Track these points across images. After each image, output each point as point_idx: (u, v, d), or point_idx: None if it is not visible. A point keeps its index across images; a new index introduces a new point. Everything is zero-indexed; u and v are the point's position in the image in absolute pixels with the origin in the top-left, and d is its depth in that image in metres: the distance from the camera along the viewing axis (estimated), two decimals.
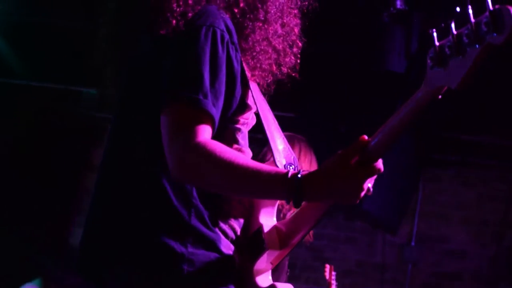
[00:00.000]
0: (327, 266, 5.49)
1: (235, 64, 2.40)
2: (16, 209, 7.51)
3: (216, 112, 2.29)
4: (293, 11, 2.72)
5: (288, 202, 2.18)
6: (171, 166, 2.23)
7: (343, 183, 2.15)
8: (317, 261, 7.84)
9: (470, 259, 7.65)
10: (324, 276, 5.43)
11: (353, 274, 7.78)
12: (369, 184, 2.21)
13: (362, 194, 2.19)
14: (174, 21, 2.38)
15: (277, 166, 2.43)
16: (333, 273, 5.44)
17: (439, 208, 7.81)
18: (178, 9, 2.39)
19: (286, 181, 2.15)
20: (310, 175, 2.17)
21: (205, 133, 2.23)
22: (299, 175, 2.15)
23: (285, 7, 2.67)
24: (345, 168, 2.14)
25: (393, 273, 7.74)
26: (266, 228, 2.53)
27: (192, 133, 2.21)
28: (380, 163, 2.20)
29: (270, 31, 2.59)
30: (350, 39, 6.02)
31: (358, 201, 2.21)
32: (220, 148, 2.20)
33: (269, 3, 2.58)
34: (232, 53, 2.39)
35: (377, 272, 7.74)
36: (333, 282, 5.40)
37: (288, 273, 4.07)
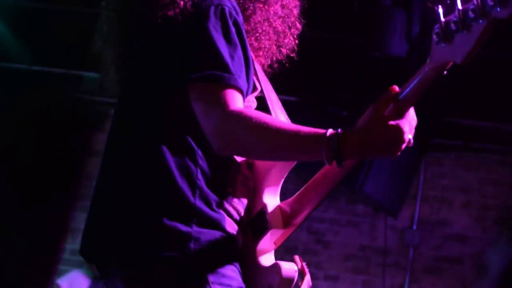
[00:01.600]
0: (296, 257, 5.49)
1: (246, 40, 2.41)
2: (15, 196, 7.51)
3: (243, 84, 2.31)
4: None
5: (329, 163, 2.16)
6: (211, 139, 2.26)
7: (382, 137, 2.12)
8: (318, 244, 7.85)
9: (471, 243, 7.65)
10: (298, 267, 5.42)
11: (354, 258, 7.78)
12: (409, 135, 2.15)
13: (404, 146, 2.15)
14: (182, 3, 2.38)
15: None
16: (304, 263, 5.44)
17: (441, 192, 7.80)
18: None
19: (325, 139, 2.13)
20: (348, 132, 2.14)
21: (238, 102, 2.26)
22: (338, 133, 2.12)
23: None
24: (381, 120, 2.11)
25: (395, 257, 7.74)
26: (270, 208, 2.53)
27: (225, 104, 2.23)
28: (413, 113, 2.18)
29: (271, 12, 2.61)
30: (351, 24, 6.02)
31: (399, 153, 2.16)
32: (256, 114, 2.23)
33: None
34: (243, 30, 2.40)
35: (379, 256, 7.73)
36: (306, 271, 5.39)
37: None
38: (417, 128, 2.22)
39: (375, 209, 7.57)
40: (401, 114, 2.12)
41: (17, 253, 7.41)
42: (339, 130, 2.13)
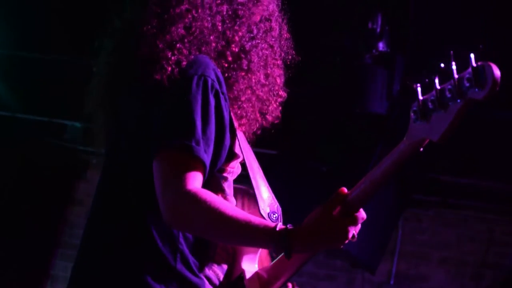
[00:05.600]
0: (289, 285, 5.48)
1: (225, 113, 2.44)
2: None
3: (207, 159, 2.33)
4: (276, 62, 2.77)
5: (278, 254, 2.26)
6: (163, 211, 2.28)
7: (328, 235, 2.24)
8: None
9: None
10: None
11: None
12: (353, 231, 2.26)
13: (347, 241, 2.26)
14: (169, 68, 2.42)
15: (262, 215, 2.47)
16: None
17: (419, 247, 7.81)
18: (173, 57, 2.44)
19: (274, 234, 2.22)
20: (296, 229, 2.24)
21: (196, 180, 2.29)
22: (287, 229, 2.22)
23: (269, 58, 2.72)
24: (329, 220, 2.23)
25: None
26: (248, 274, 2.56)
27: (184, 180, 2.26)
28: (362, 212, 2.25)
29: (253, 80, 2.63)
30: (333, 80, 6.06)
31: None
32: (211, 197, 2.26)
33: (252, 53, 2.64)
34: (223, 102, 2.43)
35: None
36: None
37: None
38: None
39: (352, 265, 7.56)
40: (348, 214, 2.24)
41: None
42: (289, 225, 2.24)
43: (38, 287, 7.60)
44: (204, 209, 2.22)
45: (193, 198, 2.23)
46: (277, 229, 2.21)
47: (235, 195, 2.63)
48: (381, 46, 5.61)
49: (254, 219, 2.26)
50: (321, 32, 6.02)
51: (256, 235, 2.24)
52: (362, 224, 2.30)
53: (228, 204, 2.32)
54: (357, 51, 5.72)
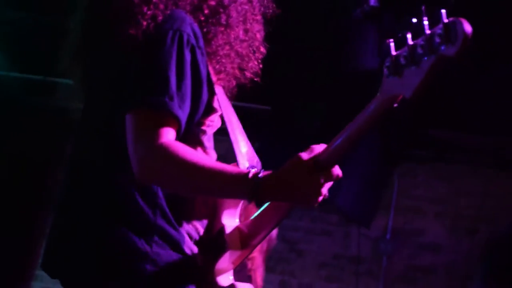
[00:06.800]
0: None
1: (202, 67, 2.44)
2: None
3: (182, 115, 2.33)
4: (256, 17, 2.75)
5: (249, 202, 2.27)
6: (134, 168, 2.28)
7: (300, 187, 2.24)
8: (292, 253, 7.88)
9: (444, 253, 7.69)
10: None
11: (328, 267, 7.82)
12: (325, 189, 2.27)
13: (320, 199, 2.26)
14: (144, 23, 2.41)
15: None
16: None
17: (414, 202, 7.85)
18: (148, 12, 2.42)
19: (247, 181, 2.23)
20: (270, 176, 2.25)
21: (168, 134, 2.28)
22: (259, 176, 2.23)
23: (248, 14, 2.70)
24: (302, 169, 2.23)
25: (368, 266, 7.78)
26: (228, 229, 2.57)
27: (155, 135, 2.25)
28: (337, 169, 2.25)
29: (232, 36, 2.62)
30: (323, 37, 6.04)
31: (316, 205, 2.29)
32: (183, 149, 2.26)
33: (231, 8, 2.61)
34: (199, 57, 2.42)
35: (353, 264, 7.78)
36: None
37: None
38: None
39: (347, 220, 7.60)
40: (324, 168, 2.23)
41: None
42: (261, 173, 2.24)
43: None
44: (176, 161, 2.22)
45: (165, 151, 2.23)
46: (250, 175, 2.23)
47: None
48: (372, 1, 5.57)
49: (228, 167, 2.28)
50: None
51: (230, 183, 2.26)
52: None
53: (201, 155, 2.35)
54: (346, 5, 5.68)
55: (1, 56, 7.30)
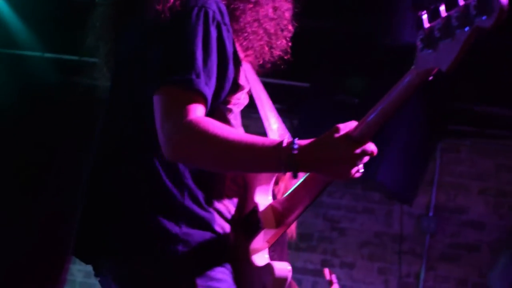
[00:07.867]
0: (326, 270, 5.54)
1: (227, 44, 2.41)
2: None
3: (209, 91, 2.30)
4: None
5: (284, 172, 2.21)
6: (163, 146, 2.26)
7: (335, 157, 2.19)
8: (334, 231, 7.86)
9: (488, 231, 7.61)
10: (327, 279, 5.47)
11: (370, 245, 7.79)
12: (360, 164, 2.22)
13: (354, 172, 2.22)
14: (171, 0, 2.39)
15: None
16: (333, 275, 5.50)
17: (457, 178, 7.77)
18: None
19: (281, 150, 2.19)
20: (304, 145, 2.20)
21: (197, 112, 2.25)
22: (294, 145, 2.18)
23: None
24: (338, 143, 2.18)
25: (411, 244, 7.73)
26: (261, 207, 2.53)
27: (184, 112, 2.23)
28: (372, 145, 2.21)
29: (261, 13, 2.60)
30: (362, 11, 5.98)
31: (350, 178, 2.24)
32: (213, 124, 2.23)
33: None
34: (225, 33, 2.40)
35: (395, 242, 7.73)
36: (334, 282, 5.46)
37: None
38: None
39: (388, 198, 7.55)
40: (358, 141, 2.18)
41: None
42: (295, 141, 2.19)
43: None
44: (205, 136, 2.20)
45: (194, 127, 2.20)
46: (284, 144, 2.18)
47: None
48: None
49: (261, 139, 2.24)
50: None
51: (263, 153, 2.21)
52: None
53: (231, 129, 2.30)
54: None
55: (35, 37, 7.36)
